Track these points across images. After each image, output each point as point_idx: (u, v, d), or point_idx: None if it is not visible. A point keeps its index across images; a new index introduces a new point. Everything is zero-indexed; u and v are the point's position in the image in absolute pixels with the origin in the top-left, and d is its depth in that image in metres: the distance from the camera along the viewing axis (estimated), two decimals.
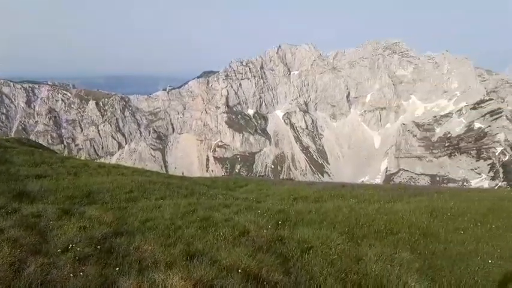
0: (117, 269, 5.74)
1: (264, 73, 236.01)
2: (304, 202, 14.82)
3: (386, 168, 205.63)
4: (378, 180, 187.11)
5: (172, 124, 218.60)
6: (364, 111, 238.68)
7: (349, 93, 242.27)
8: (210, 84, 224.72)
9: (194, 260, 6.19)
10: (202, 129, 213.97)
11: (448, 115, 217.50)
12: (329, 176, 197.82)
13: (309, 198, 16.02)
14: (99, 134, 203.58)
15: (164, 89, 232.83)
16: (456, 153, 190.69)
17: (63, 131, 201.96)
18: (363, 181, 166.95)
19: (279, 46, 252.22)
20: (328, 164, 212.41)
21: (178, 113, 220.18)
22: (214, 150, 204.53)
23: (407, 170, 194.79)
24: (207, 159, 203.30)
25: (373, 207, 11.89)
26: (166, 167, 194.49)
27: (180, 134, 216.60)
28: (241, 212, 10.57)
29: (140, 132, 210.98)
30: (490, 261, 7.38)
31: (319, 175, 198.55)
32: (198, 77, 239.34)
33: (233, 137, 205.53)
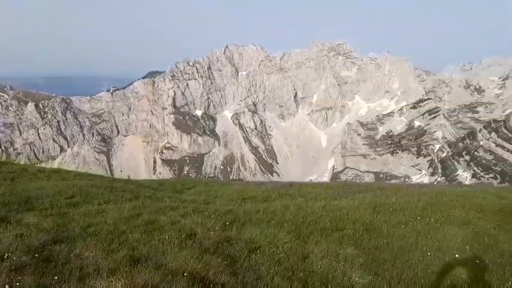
0: (56, 277, 5.44)
1: (212, 73, 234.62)
2: (253, 202, 14.83)
3: (333, 166, 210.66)
4: (325, 178, 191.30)
5: (117, 126, 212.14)
6: (311, 111, 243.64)
7: (296, 93, 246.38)
8: (156, 85, 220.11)
9: (138, 265, 5.99)
10: (149, 131, 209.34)
11: (390, 114, 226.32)
12: (278, 175, 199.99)
13: (258, 198, 16.06)
14: (39, 137, 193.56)
15: (108, 90, 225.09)
16: (398, 151, 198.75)
17: (0, 135, 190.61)
18: (311, 180, 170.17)
19: (226, 46, 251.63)
20: (277, 163, 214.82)
21: (123, 115, 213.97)
22: (162, 152, 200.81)
23: (352, 168, 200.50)
24: (154, 162, 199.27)
25: (320, 205, 12.08)
26: (111, 170, 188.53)
27: (125, 136, 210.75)
28: (188, 214, 10.39)
29: (83, 135, 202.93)
30: (429, 253, 7.68)
31: (269, 175, 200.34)
32: (143, 78, 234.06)
33: (181, 139, 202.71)
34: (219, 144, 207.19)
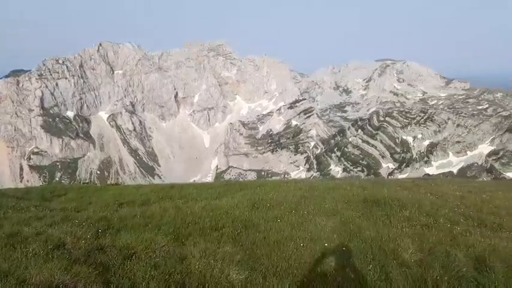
0: None
1: (84, 72, 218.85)
2: (130, 207, 14.25)
3: (217, 166, 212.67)
4: (209, 178, 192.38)
5: None
6: (193, 111, 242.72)
7: (177, 93, 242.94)
8: (20, 85, 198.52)
9: None
10: (13, 135, 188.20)
11: (269, 114, 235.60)
12: (160, 178, 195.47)
13: (136, 202, 15.50)
14: None
15: None
16: (278, 149, 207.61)
17: None
18: (194, 180, 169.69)
19: (100, 44, 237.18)
20: (159, 165, 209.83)
21: None
22: (29, 158, 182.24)
23: (235, 167, 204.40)
24: (21, 169, 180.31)
25: (200, 206, 12.04)
26: None
27: None
28: (57, 223, 9.58)
29: None
30: (301, 244, 8.08)
31: (150, 178, 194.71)
32: (5, 77, 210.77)
33: (51, 143, 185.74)
34: (94, 148, 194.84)
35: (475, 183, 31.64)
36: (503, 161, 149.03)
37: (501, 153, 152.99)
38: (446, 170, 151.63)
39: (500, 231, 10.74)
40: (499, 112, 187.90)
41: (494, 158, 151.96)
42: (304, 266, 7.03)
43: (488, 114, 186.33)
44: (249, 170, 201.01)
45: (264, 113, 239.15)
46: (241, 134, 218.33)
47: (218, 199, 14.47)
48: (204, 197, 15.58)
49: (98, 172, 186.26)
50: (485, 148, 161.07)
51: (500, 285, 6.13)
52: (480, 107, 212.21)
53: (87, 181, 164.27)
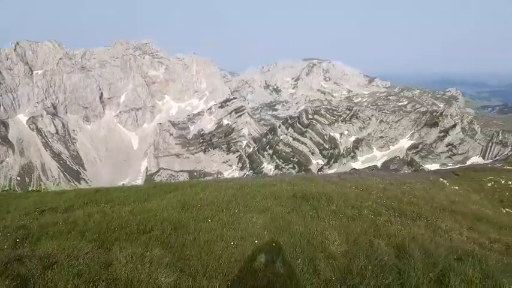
0: None
1: (0, 73, 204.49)
2: (52, 213, 13.47)
3: (147, 168, 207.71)
4: (139, 181, 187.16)
5: None
6: (120, 112, 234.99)
7: (102, 93, 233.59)
8: None
9: None
10: None
11: (200, 113, 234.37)
12: (87, 182, 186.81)
13: (59, 208, 14.66)
14: None
15: None
16: (210, 149, 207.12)
17: None
18: (123, 184, 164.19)
19: (17, 43, 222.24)
20: (85, 169, 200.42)
21: None
22: None
23: (166, 169, 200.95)
24: None
25: (127, 209, 11.65)
26: None
27: None
28: None
29: None
30: (232, 243, 8.07)
31: (75, 182, 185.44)
32: None
33: None
34: (13, 153, 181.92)
35: (396, 175, 33.60)
36: (422, 154, 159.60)
37: (420, 146, 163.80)
38: (371, 164, 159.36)
39: (418, 220, 11.45)
40: (417, 108, 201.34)
41: (414, 151, 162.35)
42: (234, 265, 7.02)
43: (408, 111, 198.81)
44: (181, 171, 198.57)
45: (195, 112, 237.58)
46: (172, 135, 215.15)
47: (147, 202, 14.08)
48: (132, 201, 15.08)
49: (18, 178, 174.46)
50: (405, 142, 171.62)
51: (419, 271, 6.50)
52: (400, 104, 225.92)
53: (6, 188, 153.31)
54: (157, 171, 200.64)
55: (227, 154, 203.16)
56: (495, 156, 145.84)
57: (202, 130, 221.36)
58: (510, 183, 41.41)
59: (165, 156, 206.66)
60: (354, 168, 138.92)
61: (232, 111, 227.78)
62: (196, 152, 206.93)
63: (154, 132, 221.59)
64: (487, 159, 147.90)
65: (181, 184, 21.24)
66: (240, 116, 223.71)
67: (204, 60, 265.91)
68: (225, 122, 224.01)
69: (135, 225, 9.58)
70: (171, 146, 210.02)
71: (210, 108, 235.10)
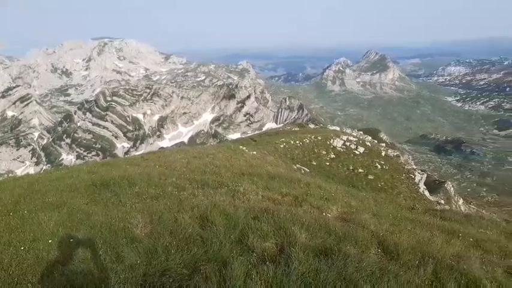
0: None
1: None
2: None
3: None
4: None
5: None
6: None
7: None
8: None
9: None
10: None
11: None
12: None
13: None
14: None
15: None
16: None
17: None
18: None
19: None
20: None
21: None
22: None
23: None
24: None
25: None
26: None
27: None
28: None
29: None
30: (22, 248, 7.29)
31: None
32: None
33: None
34: None
35: (199, 148, 34.98)
36: (224, 125, 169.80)
37: (221, 118, 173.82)
38: (178, 141, 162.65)
39: (220, 188, 12.15)
40: (214, 82, 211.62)
41: (217, 123, 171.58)
42: (27, 271, 6.36)
43: (206, 85, 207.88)
44: None
45: None
46: None
47: None
48: None
49: None
50: (208, 116, 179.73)
51: (221, 235, 6.94)
52: (198, 79, 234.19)
53: None
54: None
55: (17, 150, 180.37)
56: (285, 120, 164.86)
57: None
58: (298, 142, 47.63)
59: None
60: (162, 147, 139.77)
61: (16, 101, 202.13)
62: None
63: None
64: (279, 123, 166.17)
65: None
66: (27, 105, 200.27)
67: None
68: (10, 113, 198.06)
69: None
70: None
71: None
